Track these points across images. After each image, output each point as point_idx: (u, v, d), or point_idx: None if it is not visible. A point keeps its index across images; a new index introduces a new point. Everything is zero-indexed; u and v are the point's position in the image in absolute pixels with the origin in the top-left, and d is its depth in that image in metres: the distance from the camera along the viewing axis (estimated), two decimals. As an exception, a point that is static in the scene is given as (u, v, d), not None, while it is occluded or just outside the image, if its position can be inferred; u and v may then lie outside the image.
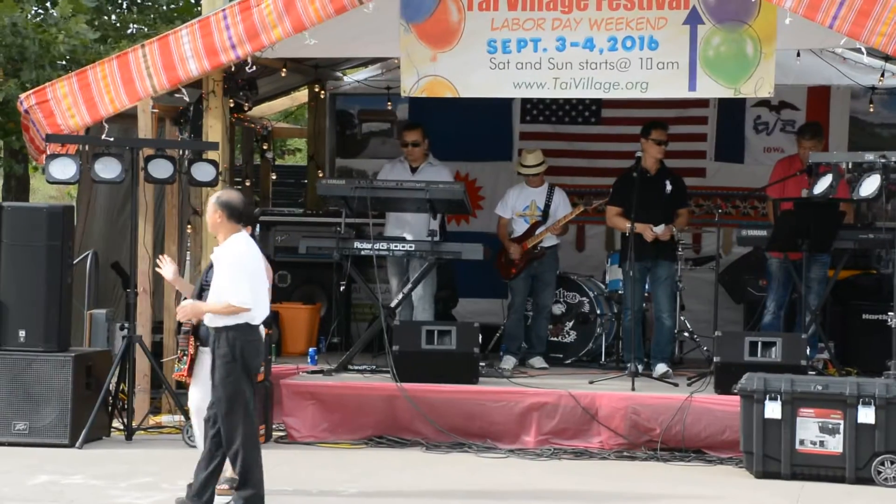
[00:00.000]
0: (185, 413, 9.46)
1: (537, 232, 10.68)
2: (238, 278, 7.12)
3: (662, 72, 9.51)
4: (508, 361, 10.49)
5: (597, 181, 11.71)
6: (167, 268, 7.66)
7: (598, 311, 10.91)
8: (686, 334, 11.08)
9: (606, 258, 11.18)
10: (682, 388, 9.47)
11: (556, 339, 10.94)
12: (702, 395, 9.22)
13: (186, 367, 7.77)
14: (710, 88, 9.51)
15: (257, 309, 7.22)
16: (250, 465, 7.15)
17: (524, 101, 12.42)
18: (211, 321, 7.22)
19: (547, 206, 10.74)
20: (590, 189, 11.72)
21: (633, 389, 9.34)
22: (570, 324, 10.94)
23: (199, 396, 7.65)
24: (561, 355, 10.89)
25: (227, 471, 7.58)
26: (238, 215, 7.24)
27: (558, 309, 10.95)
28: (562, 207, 10.78)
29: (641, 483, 8.41)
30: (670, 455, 9.04)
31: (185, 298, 7.61)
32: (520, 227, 10.77)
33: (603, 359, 10.91)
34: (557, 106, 12.57)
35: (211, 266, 7.53)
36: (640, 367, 9.71)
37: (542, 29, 9.66)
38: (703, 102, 11.90)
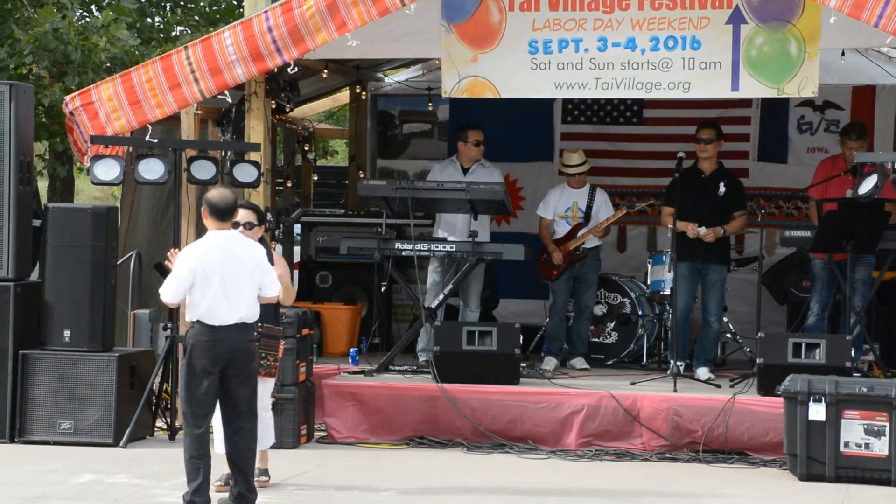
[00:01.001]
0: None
1: (579, 234, 10.65)
2: (172, 273, 7.13)
3: (705, 72, 9.46)
4: (550, 363, 10.47)
5: (638, 182, 11.68)
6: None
7: (640, 312, 10.87)
8: (729, 335, 11.02)
9: (648, 259, 11.14)
10: (724, 390, 9.42)
11: (597, 339, 10.91)
12: (745, 396, 9.17)
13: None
14: (754, 88, 9.45)
15: (202, 307, 7.03)
16: (186, 467, 7.08)
17: (565, 101, 12.39)
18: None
19: (589, 207, 10.71)
20: (631, 189, 11.69)
21: (675, 391, 9.30)
22: (612, 325, 10.90)
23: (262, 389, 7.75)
24: (602, 356, 10.86)
25: (259, 461, 7.66)
26: (217, 213, 7.17)
27: (600, 310, 10.92)
28: (603, 209, 10.74)
29: (684, 484, 8.37)
30: (713, 457, 8.99)
31: None
32: (561, 229, 10.74)
33: (644, 360, 10.87)
34: (599, 106, 12.53)
35: None
36: (681, 368, 9.66)
37: (584, 29, 9.63)
38: (745, 102, 11.83)
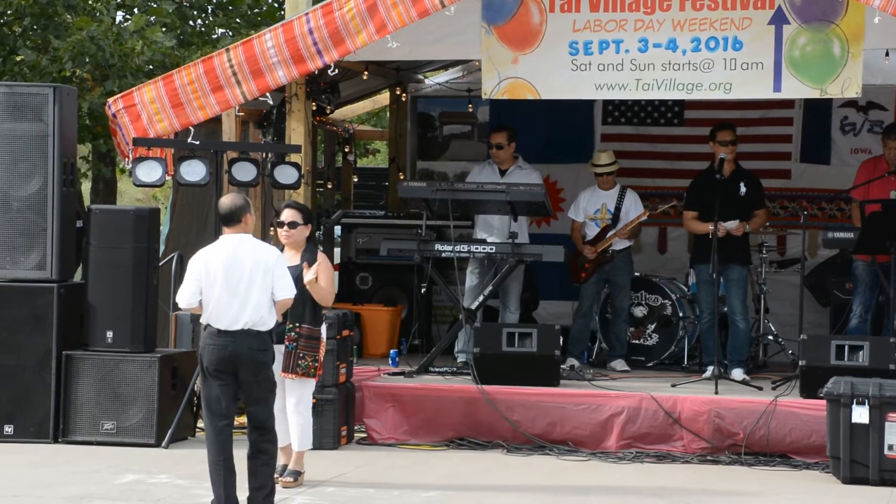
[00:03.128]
0: (269, 414, 9.55)
1: (607, 236, 10.62)
2: (185, 278, 7.18)
3: (747, 72, 9.41)
4: (569, 363, 10.43)
5: (679, 183, 11.58)
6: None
7: (681, 314, 10.82)
8: (770, 337, 10.95)
9: (689, 260, 11.08)
10: (766, 392, 9.37)
11: (637, 341, 10.87)
12: (787, 398, 9.11)
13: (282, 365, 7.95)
14: (796, 89, 9.38)
15: (212, 312, 7.03)
16: (209, 467, 7.14)
17: (606, 102, 12.34)
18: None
19: (617, 208, 10.67)
20: (672, 191, 11.62)
21: (716, 393, 9.25)
22: (653, 326, 10.85)
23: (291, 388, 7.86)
24: (643, 358, 10.81)
25: (282, 460, 7.77)
26: (223, 219, 7.22)
27: (640, 311, 10.88)
28: (633, 210, 10.71)
29: (725, 487, 8.33)
30: (754, 459, 8.94)
31: None
32: (591, 231, 10.71)
33: (685, 362, 10.82)
34: (639, 107, 12.48)
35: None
36: (721, 371, 9.61)
37: (625, 30, 9.60)
38: (788, 103, 11.74)
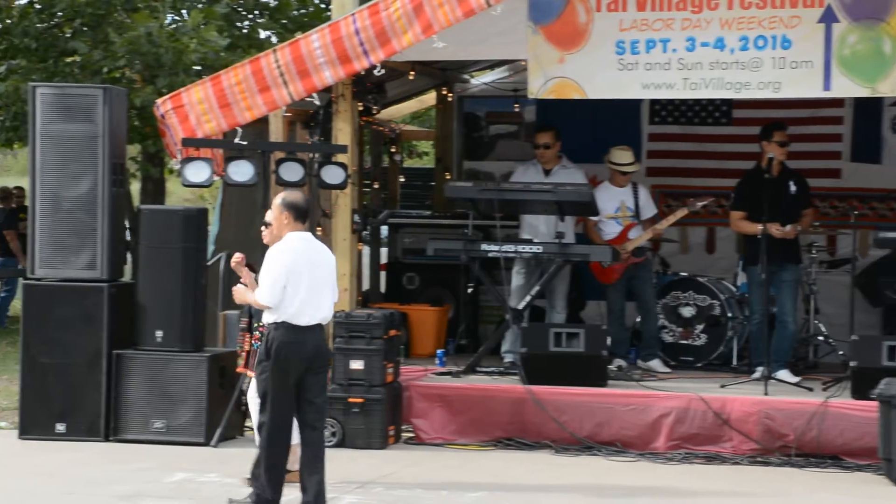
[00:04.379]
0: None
1: (630, 236, 10.52)
2: (265, 276, 7.20)
3: (796, 71, 9.33)
4: (617, 363, 10.38)
5: (727, 182, 11.50)
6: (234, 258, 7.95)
7: (730, 314, 10.74)
8: (821, 338, 10.86)
9: (738, 260, 11.01)
10: (817, 393, 9.29)
11: (686, 342, 10.81)
12: (838, 400, 9.03)
13: (243, 361, 8.03)
14: (846, 88, 9.29)
15: (293, 308, 7.13)
16: (269, 466, 7.17)
17: (653, 102, 12.28)
18: (262, 317, 7.38)
19: (636, 205, 10.60)
20: (719, 190, 11.55)
21: (766, 394, 9.18)
22: (701, 327, 10.79)
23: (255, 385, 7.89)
24: (691, 358, 10.75)
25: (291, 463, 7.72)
26: (303, 216, 7.31)
27: (688, 312, 10.81)
28: (648, 206, 10.64)
29: (776, 489, 8.28)
30: (805, 461, 8.86)
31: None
32: (611, 229, 10.60)
33: (734, 362, 10.74)
34: (687, 107, 12.42)
35: None
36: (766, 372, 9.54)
37: (672, 29, 9.55)
38: (837, 102, 11.63)
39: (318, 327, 7.25)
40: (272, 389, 7.18)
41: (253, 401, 7.95)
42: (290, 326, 7.16)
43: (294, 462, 7.49)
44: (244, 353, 8.10)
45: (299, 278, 7.18)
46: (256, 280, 7.57)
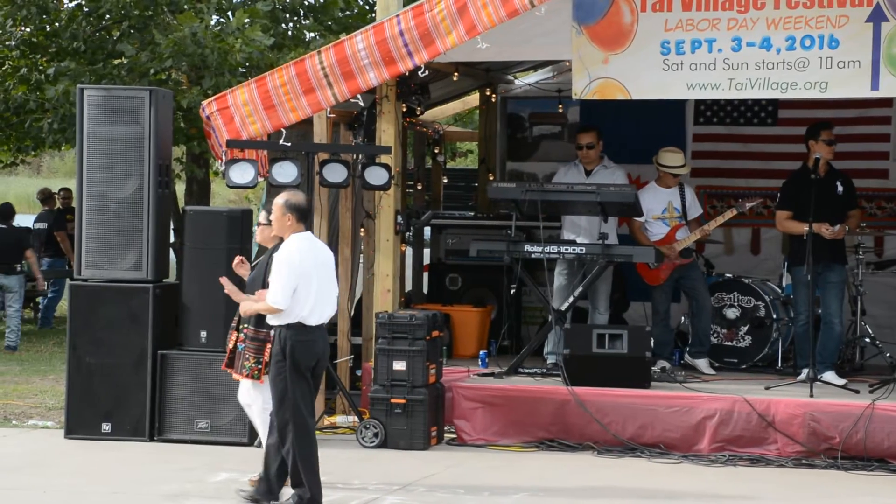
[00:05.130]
0: (360, 414, 9.62)
1: (678, 237, 10.44)
2: (276, 279, 7.26)
3: (843, 71, 9.25)
4: (660, 365, 10.32)
5: (773, 183, 11.43)
6: (236, 259, 8.11)
7: (775, 316, 10.66)
8: (867, 340, 10.75)
9: (783, 261, 10.92)
10: (863, 395, 9.20)
11: (730, 343, 10.73)
12: (885, 402, 8.94)
13: (226, 359, 8.07)
14: (894, 87, 9.20)
15: (306, 309, 7.24)
16: (302, 464, 7.26)
17: (698, 102, 12.22)
18: (269, 320, 7.44)
19: (682, 206, 10.54)
20: (765, 191, 11.48)
21: (811, 396, 9.11)
22: (745, 328, 10.71)
23: (244, 390, 7.99)
24: (736, 360, 10.68)
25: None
26: (305, 216, 7.40)
27: (733, 313, 10.74)
28: (694, 206, 10.58)
29: (821, 491, 8.21)
30: (851, 464, 8.79)
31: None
32: (658, 230, 10.53)
33: (779, 364, 10.66)
34: (732, 107, 12.34)
35: (255, 265, 7.95)
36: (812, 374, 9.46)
37: (717, 29, 9.50)
38: (885, 102, 11.50)
39: (323, 327, 7.41)
40: (293, 390, 7.27)
41: (254, 405, 7.98)
42: (302, 327, 7.29)
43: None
44: (228, 352, 8.14)
45: (310, 280, 7.29)
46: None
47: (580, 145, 10.68)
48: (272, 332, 7.51)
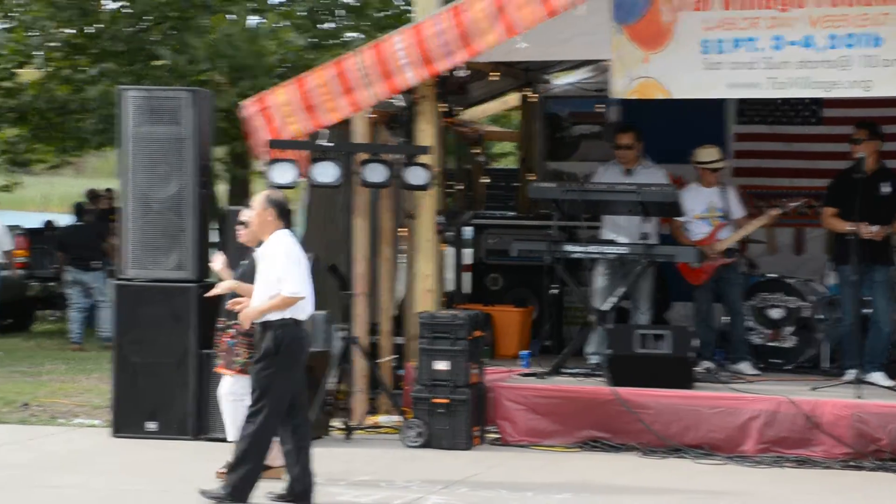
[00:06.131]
0: (402, 413, 9.63)
1: (720, 236, 10.39)
2: (291, 270, 7.37)
3: (887, 69, 9.18)
4: (704, 365, 10.27)
5: (816, 182, 11.37)
6: (218, 260, 8.12)
7: (819, 316, 10.59)
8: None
9: (827, 261, 10.84)
10: (911, 397, 9.14)
11: (774, 344, 10.67)
12: (934, 403, 8.87)
13: (223, 361, 8.13)
14: (940, 86, 9.14)
15: (303, 304, 7.44)
16: (250, 454, 7.37)
17: (739, 101, 12.16)
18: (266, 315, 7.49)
19: (725, 206, 10.48)
20: (808, 191, 11.40)
21: (858, 397, 9.04)
22: (790, 329, 10.64)
23: (232, 384, 8.05)
24: (780, 361, 10.61)
25: (231, 455, 7.81)
26: (286, 214, 7.53)
27: (777, 314, 10.68)
28: (736, 207, 10.51)
29: (866, 493, 8.14)
30: (900, 466, 8.72)
31: (234, 296, 7.85)
32: (699, 230, 10.48)
33: (825, 365, 10.58)
34: (775, 106, 12.27)
35: (243, 265, 7.97)
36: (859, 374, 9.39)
37: (758, 28, 9.46)
38: (932, 100, 11.42)
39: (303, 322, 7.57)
40: (277, 385, 7.37)
41: (229, 399, 8.06)
42: (295, 322, 7.43)
43: (273, 458, 7.72)
44: (223, 353, 8.18)
45: (304, 274, 7.49)
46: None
47: (619, 145, 10.65)
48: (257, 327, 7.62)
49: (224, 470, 7.93)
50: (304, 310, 7.48)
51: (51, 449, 9.22)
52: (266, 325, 7.43)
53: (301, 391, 7.59)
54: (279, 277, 7.38)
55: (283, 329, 7.37)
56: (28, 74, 15.67)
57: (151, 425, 9.52)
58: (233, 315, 7.95)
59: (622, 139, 10.64)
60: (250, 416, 7.43)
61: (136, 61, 14.57)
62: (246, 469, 7.42)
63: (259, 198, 7.60)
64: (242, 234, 8.02)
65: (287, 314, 7.40)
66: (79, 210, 15.40)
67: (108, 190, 16.99)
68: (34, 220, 18.72)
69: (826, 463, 8.84)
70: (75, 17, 14.65)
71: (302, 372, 7.58)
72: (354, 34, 15.50)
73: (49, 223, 17.19)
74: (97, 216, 16.57)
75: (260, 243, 7.66)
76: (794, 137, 12.23)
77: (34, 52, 15.10)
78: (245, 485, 7.43)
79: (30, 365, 13.25)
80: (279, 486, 7.66)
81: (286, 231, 7.55)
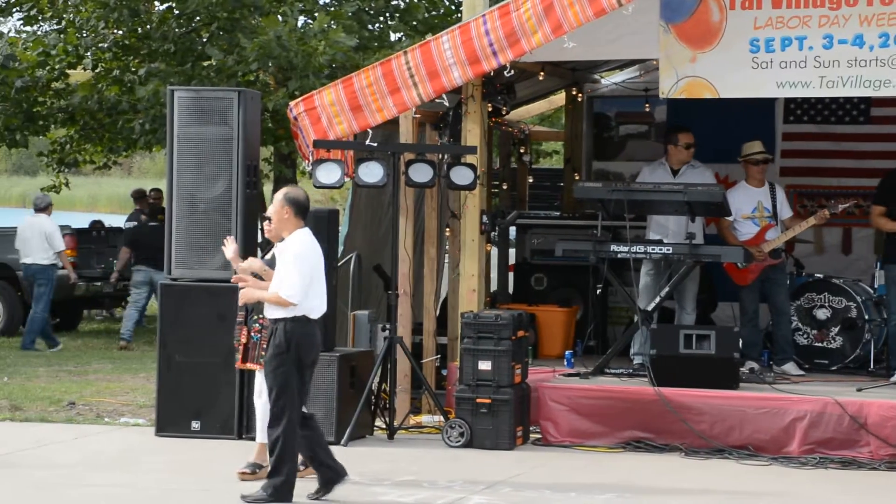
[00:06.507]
0: (445, 413, 9.63)
1: (768, 237, 10.30)
2: (292, 272, 7.43)
3: (938, 67, 9.08)
4: (748, 365, 10.19)
5: (865, 182, 11.27)
6: (229, 247, 8.06)
7: (866, 317, 10.48)
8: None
9: (875, 261, 10.73)
10: (959, 398, 9.02)
11: (820, 345, 10.57)
12: (983, 405, 8.75)
13: (240, 355, 8.18)
14: None
15: (313, 303, 7.51)
16: (286, 455, 7.43)
17: (788, 100, 12.06)
18: (269, 312, 7.57)
19: (773, 206, 10.39)
20: (857, 190, 11.29)
21: (905, 398, 8.96)
22: (836, 329, 10.54)
23: (261, 380, 8.07)
24: (826, 362, 10.51)
25: (251, 455, 8.03)
26: (304, 212, 7.59)
27: (823, 314, 10.58)
28: (785, 207, 10.42)
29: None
30: (947, 468, 8.62)
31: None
32: (747, 230, 10.39)
33: (871, 366, 10.47)
34: (823, 105, 12.16)
35: (266, 259, 8.03)
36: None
37: (808, 26, 9.38)
38: (984, 99, 11.27)
39: (321, 319, 7.67)
40: (291, 381, 7.45)
41: (261, 396, 8.08)
42: (307, 320, 7.51)
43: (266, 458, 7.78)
44: (242, 347, 8.25)
45: (317, 274, 7.58)
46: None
47: (683, 144, 10.54)
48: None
49: (246, 470, 8.04)
50: (317, 309, 7.58)
51: (96, 448, 9.30)
52: (277, 322, 7.53)
53: (307, 390, 7.70)
54: (281, 277, 7.50)
55: (293, 327, 7.47)
56: (77, 76, 15.83)
57: (195, 424, 9.57)
58: (258, 308, 8.02)
59: (685, 138, 10.56)
60: (274, 419, 7.49)
61: (185, 61, 14.67)
62: (286, 470, 7.46)
63: (279, 195, 7.71)
64: (267, 230, 8.08)
65: (299, 312, 7.48)
66: (153, 210, 15.53)
67: (155, 190, 17.14)
68: (82, 221, 18.90)
69: (871, 464, 8.76)
70: (126, 18, 14.77)
71: (310, 371, 7.65)
72: (400, 34, 15.52)
73: (96, 223, 17.34)
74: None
75: (282, 239, 7.73)
76: (843, 136, 12.12)
77: (85, 54, 15.25)
78: (286, 486, 7.47)
79: (76, 364, 13.38)
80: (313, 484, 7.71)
81: (305, 230, 7.62)
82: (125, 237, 15.81)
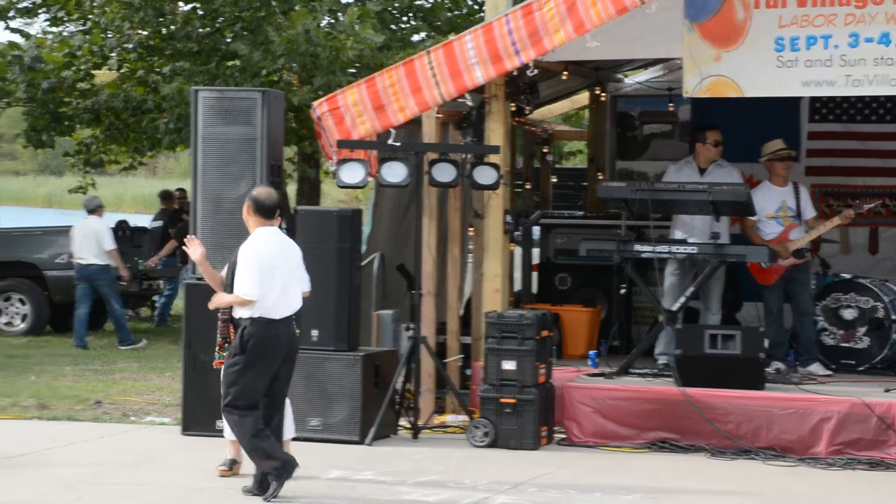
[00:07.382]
0: (470, 413, 9.62)
1: (792, 236, 10.25)
2: (245, 272, 7.45)
3: (965, 66, 9.02)
4: (774, 366, 10.14)
5: (891, 181, 11.22)
6: (195, 249, 7.97)
7: (893, 317, 10.41)
8: None
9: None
10: None
11: (847, 345, 10.52)
12: None
13: (224, 354, 8.11)
14: None
15: (274, 303, 7.47)
16: (252, 450, 7.51)
17: (813, 99, 12.01)
18: (235, 312, 7.62)
19: (797, 206, 10.33)
20: (884, 190, 11.23)
21: (933, 399, 8.90)
22: (863, 329, 10.48)
23: None
24: (853, 362, 10.45)
25: (229, 453, 8.11)
26: (264, 210, 7.59)
27: (850, 314, 10.52)
28: (808, 207, 10.37)
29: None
30: (976, 470, 8.55)
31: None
32: (771, 230, 10.35)
33: (899, 366, 10.42)
34: (849, 104, 12.10)
35: (231, 261, 7.95)
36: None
37: (834, 25, 9.33)
38: None
39: (290, 319, 7.59)
40: (244, 383, 7.49)
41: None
42: (267, 321, 7.49)
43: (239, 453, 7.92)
44: (225, 345, 8.21)
45: (273, 272, 7.52)
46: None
47: (711, 142, 10.50)
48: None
49: (224, 467, 8.13)
50: (279, 308, 7.55)
51: (122, 447, 9.33)
52: (236, 323, 7.58)
53: (280, 393, 7.71)
54: (237, 276, 7.53)
55: (252, 330, 7.49)
56: (102, 76, 15.90)
57: (221, 424, 9.57)
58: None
59: (713, 136, 10.52)
60: (224, 416, 7.65)
61: (210, 61, 14.70)
62: (264, 457, 7.56)
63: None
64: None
65: (257, 312, 7.48)
66: (182, 208, 15.59)
67: (180, 190, 17.19)
68: (108, 221, 18.94)
69: (900, 466, 8.71)
70: (150, 18, 14.81)
71: (276, 372, 7.63)
72: (424, 34, 15.51)
73: (122, 223, 17.40)
74: (169, 216, 16.77)
75: None
76: (869, 135, 12.05)
77: (110, 54, 15.31)
78: (276, 469, 7.53)
79: (102, 363, 13.43)
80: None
81: (266, 228, 7.63)
82: (178, 232, 15.80)
